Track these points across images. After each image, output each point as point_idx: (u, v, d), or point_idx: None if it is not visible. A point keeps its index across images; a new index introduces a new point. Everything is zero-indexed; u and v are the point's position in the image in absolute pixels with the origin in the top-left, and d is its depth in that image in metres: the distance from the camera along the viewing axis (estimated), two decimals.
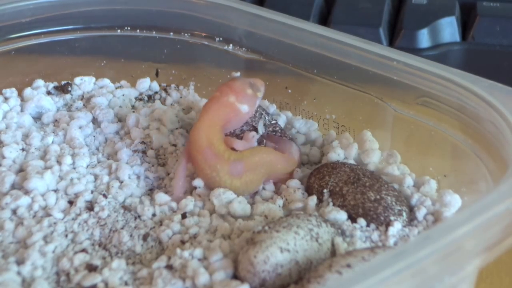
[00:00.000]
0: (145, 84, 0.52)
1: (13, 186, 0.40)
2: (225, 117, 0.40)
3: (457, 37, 0.56)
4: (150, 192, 0.41)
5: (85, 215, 0.38)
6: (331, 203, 0.37)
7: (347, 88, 0.44)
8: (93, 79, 0.52)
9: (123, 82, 0.53)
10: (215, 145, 0.38)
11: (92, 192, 0.40)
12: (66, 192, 0.40)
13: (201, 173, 0.39)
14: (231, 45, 0.49)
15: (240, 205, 0.37)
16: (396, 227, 0.35)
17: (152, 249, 0.36)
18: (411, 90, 0.40)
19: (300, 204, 0.38)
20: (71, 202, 0.39)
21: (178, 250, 0.33)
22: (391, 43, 0.56)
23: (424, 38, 0.55)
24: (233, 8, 0.48)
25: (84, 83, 0.51)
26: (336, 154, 0.41)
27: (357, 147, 0.42)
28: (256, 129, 0.42)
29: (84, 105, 0.49)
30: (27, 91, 0.50)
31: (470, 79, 0.38)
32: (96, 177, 0.41)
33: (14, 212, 0.38)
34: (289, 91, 0.48)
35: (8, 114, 0.47)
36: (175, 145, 0.44)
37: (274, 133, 0.43)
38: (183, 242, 0.35)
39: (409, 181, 0.39)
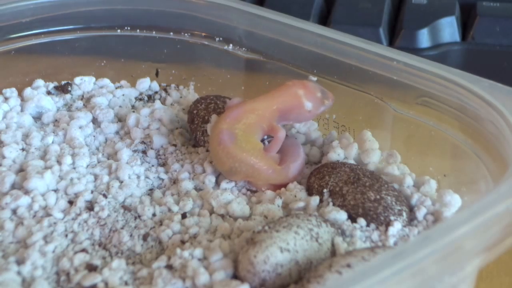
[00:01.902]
0: (145, 84, 0.52)
1: (13, 186, 0.40)
2: (287, 104, 0.40)
3: (457, 37, 0.56)
4: (150, 192, 0.41)
5: (85, 215, 0.38)
6: (331, 203, 0.37)
7: (347, 88, 0.44)
8: (93, 79, 0.52)
9: (123, 82, 0.53)
10: (261, 114, 0.39)
11: (92, 192, 0.40)
12: (66, 192, 0.40)
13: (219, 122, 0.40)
14: (231, 45, 0.49)
15: (239, 206, 0.37)
16: (396, 227, 0.35)
17: (152, 249, 0.36)
18: (411, 90, 0.40)
19: (302, 204, 0.37)
20: (71, 202, 0.39)
21: (178, 250, 0.33)
22: (391, 43, 0.56)
23: (424, 38, 0.55)
24: (233, 8, 0.48)
25: (84, 83, 0.51)
26: (336, 154, 0.41)
27: (357, 147, 0.42)
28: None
29: (84, 105, 0.49)
30: (27, 91, 0.50)
31: (470, 79, 0.38)
32: (96, 177, 0.41)
33: (14, 212, 0.38)
34: None
35: (8, 114, 0.47)
36: (175, 145, 0.44)
37: None
38: (183, 242, 0.35)
39: (409, 181, 0.39)
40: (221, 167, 0.39)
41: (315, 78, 0.42)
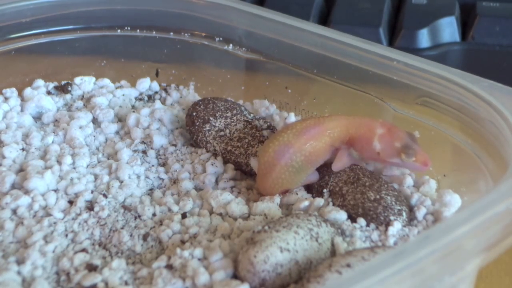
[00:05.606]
0: (145, 84, 0.52)
1: (13, 186, 0.40)
2: (359, 132, 0.38)
3: (457, 37, 0.56)
4: (150, 192, 0.41)
5: (85, 215, 0.38)
6: (331, 203, 0.37)
7: (347, 88, 0.44)
8: (93, 79, 0.52)
9: (123, 82, 0.53)
10: (323, 133, 0.38)
11: (92, 192, 0.40)
12: (66, 192, 0.40)
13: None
14: (231, 45, 0.49)
15: (238, 206, 0.37)
16: (396, 227, 0.35)
17: (152, 248, 0.36)
18: (411, 90, 0.40)
19: (307, 203, 0.37)
20: (71, 202, 0.39)
21: (178, 250, 0.33)
22: (391, 43, 0.56)
23: (424, 38, 0.55)
24: (233, 8, 0.48)
25: (84, 83, 0.51)
26: None
27: None
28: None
29: (84, 105, 0.49)
30: (27, 91, 0.50)
31: (470, 79, 0.38)
32: (96, 177, 0.41)
33: (14, 212, 0.38)
34: (289, 91, 0.48)
35: (8, 114, 0.47)
36: (175, 145, 0.44)
37: (270, 129, 0.43)
38: (183, 242, 0.35)
39: (409, 181, 0.39)
40: (259, 160, 0.39)
41: (418, 135, 0.39)
